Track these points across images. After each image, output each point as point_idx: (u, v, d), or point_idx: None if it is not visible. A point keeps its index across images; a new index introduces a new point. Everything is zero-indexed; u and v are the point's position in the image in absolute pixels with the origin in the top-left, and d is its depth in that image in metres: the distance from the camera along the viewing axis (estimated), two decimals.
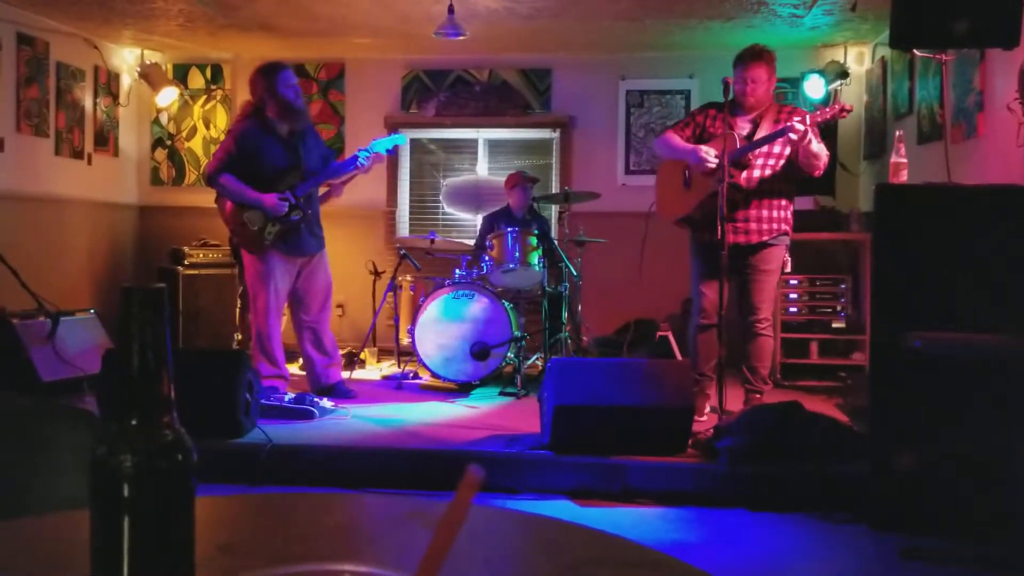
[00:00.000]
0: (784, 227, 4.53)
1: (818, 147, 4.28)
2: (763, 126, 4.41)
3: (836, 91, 6.60)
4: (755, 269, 4.50)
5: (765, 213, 4.48)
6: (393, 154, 5.32)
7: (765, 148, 4.40)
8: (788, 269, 4.69)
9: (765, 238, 4.48)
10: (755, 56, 4.46)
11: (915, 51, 4.89)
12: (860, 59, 6.79)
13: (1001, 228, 3.41)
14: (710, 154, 4.36)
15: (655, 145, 4.93)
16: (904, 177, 3.82)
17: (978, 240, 3.41)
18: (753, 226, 4.46)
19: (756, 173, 4.44)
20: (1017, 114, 4.00)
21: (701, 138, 4.53)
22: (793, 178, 4.51)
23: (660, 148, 4.76)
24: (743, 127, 4.46)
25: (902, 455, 3.39)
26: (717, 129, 4.48)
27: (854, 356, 5.87)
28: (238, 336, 6.25)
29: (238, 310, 6.33)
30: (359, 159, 4.87)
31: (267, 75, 4.73)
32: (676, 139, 4.58)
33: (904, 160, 3.83)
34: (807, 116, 4.25)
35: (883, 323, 3.53)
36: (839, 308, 5.89)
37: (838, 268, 6.04)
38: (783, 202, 4.52)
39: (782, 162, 4.44)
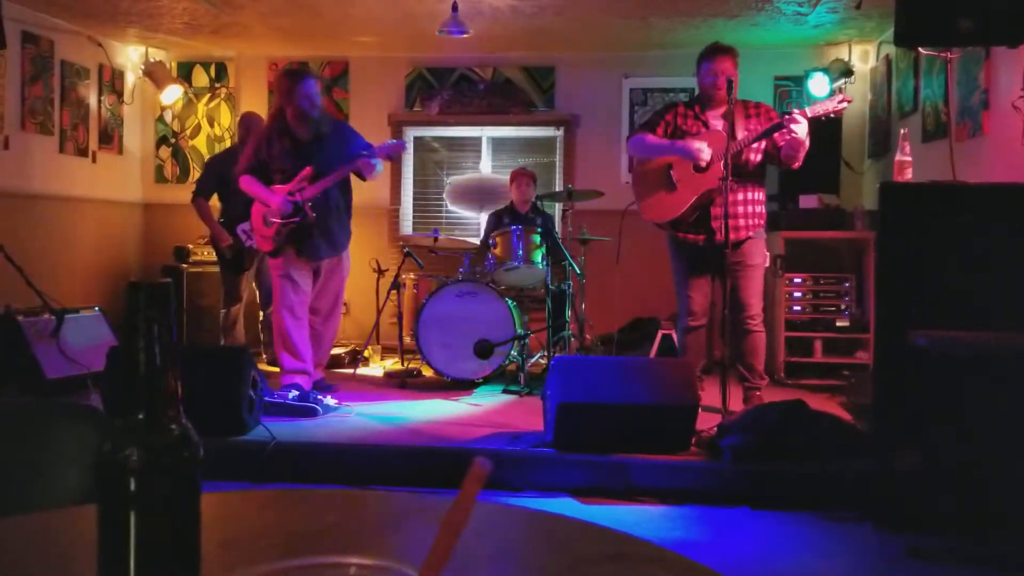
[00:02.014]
0: (761, 221, 4.56)
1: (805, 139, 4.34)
2: (738, 122, 4.39)
3: (840, 89, 6.58)
4: (742, 265, 4.48)
5: (749, 209, 4.49)
6: (394, 154, 5.32)
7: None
8: (767, 263, 4.69)
9: (751, 233, 4.48)
10: (722, 50, 4.47)
11: (920, 49, 4.88)
12: (865, 57, 6.77)
13: (1006, 226, 3.41)
14: (703, 149, 4.35)
15: (629, 147, 4.90)
16: (909, 175, 3.81)
17: (983, 238, 3.40)
18: (741, 222, 4.46)
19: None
20: (1022, 112, 3.99)
21: (675, 136, 4.52)
22: (763, 172, 4.57)
23: (637, 149, 4.69)
24: (716, 123, 4.46)
25: (905, 453, 3.39)
26: (690, 127, 4.50)
27: (858, 354, 5.86)
28: (222, 341, 6.16)
29: (222, 316, 6.25)
30: (370, 159, 4.79)
31: (289, 80, 4.80)
32: (656, 139, 4.53)
33: (909, 158, 3.82)
34: (807, 109, 4.26)
35: (887, 321, 3.52)
36: (843, 306, 5.88)
37: (842, 266, 6.03)
38: (759, 196, 4.55)
39: (759, 156, 4.48)
